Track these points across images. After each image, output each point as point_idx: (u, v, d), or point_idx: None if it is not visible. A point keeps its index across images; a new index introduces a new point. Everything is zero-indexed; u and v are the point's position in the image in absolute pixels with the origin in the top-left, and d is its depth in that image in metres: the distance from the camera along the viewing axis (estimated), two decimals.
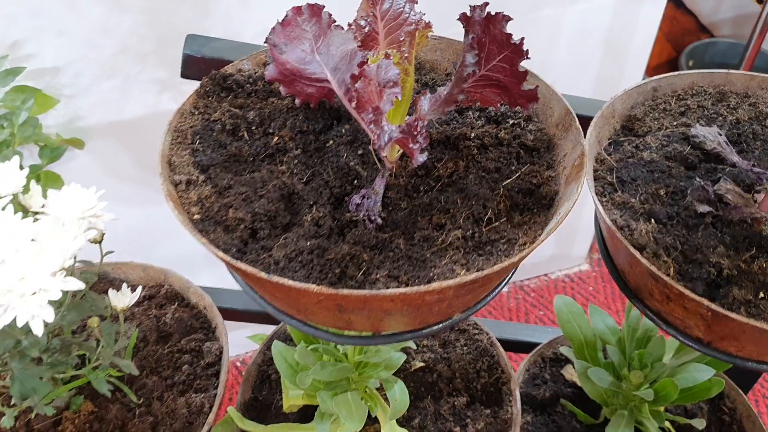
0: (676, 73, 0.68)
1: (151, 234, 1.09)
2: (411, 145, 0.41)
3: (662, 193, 0.58)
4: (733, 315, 0.49)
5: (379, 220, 0.47)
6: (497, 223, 0.48)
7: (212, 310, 0.78)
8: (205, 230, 0.46)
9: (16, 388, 0.63)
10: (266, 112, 0.55)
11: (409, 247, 0.46)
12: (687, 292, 0.50)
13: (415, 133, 0.41)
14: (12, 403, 0.65)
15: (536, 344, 0.92)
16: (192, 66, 0.65)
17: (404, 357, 0.69)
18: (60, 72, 0.93)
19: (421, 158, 0.42)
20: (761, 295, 0.52)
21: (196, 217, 0.47)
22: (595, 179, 0.59)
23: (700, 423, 0.79)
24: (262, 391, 0.80)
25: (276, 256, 0.45)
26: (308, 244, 0.46)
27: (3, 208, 0.55)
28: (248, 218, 0.47)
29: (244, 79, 0.58)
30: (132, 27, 0.87)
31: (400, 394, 0.69)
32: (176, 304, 0.79)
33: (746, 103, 0.66)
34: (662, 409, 0.83)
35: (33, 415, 0.70)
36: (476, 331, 0.84)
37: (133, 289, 0.65)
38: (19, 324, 0.50)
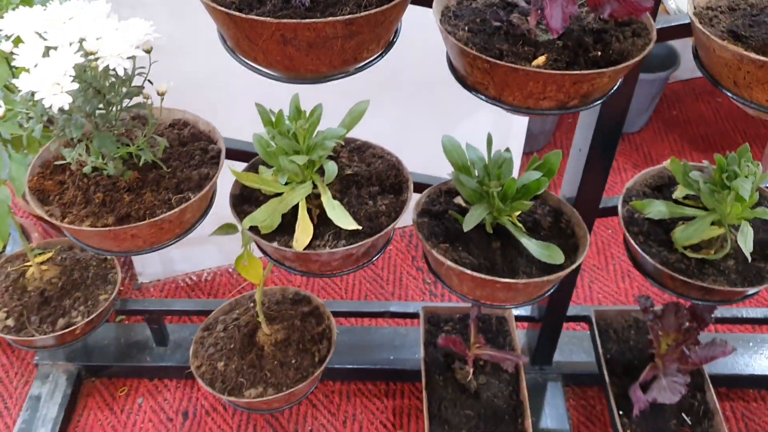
0: None
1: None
2: None
3: (477, 20, 1.01)
4: (499, 62, 0.91)
5: (308, 4, 0.90)
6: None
7: (215, 132, 1.19)
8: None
9: (96, 142, 1.04)
10: None
11: (323, 15, 0.89)
12: (477, 53, 0.92)
13: None
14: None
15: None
16: None
17: (334, 144, 1.11)
18: None
19: None
20: (523, 63, 0.94)
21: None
22: (441, 16, 1.02)
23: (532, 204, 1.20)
24: (247, 188, 1.20)
25: (250, 16, 0.88)
26: (267, 9, 0.88)
27: (107, 17, 0.98)
28: (237, 2, 0.90)
29: None
30: None
31: (331, 166, 1.11)
32: (189, 126, 1.21)
33: None
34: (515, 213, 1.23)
35: (95, 182, 1.11)
36: (390, 156, 1.25)
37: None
38: (111, 66, 0.93)
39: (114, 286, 1.54)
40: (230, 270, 2.02)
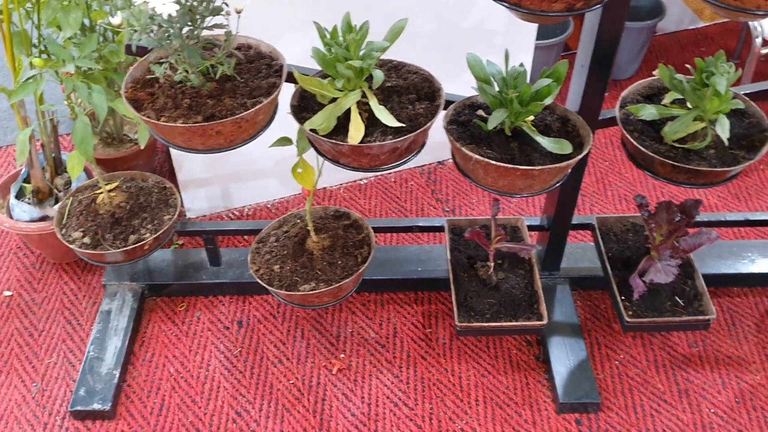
0: None
1: None
2: None
3: None
4: None
5: None
6: None
7: (276, 52, 1.42)
8: None
9: (186, 54, 1.27)
10: None
11: None
12: None
13: None
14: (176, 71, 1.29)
15: None
16: None
17: (380, 54, 1.33)
18: None
19: None
20: None
21: None
22: None
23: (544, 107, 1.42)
24: (303, 100, 1.43)
25: None
26: None
27: None
28: None
29: None
30: None
31: (379, 72, 1.33)
32: (253, 48, 1.43)
33: None
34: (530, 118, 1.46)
35: (181, 91, 1.33)
36: (423, 72, 1.48)
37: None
38: None
39: (175, 209, 1.77)
40: (268, 206, 2.24)
